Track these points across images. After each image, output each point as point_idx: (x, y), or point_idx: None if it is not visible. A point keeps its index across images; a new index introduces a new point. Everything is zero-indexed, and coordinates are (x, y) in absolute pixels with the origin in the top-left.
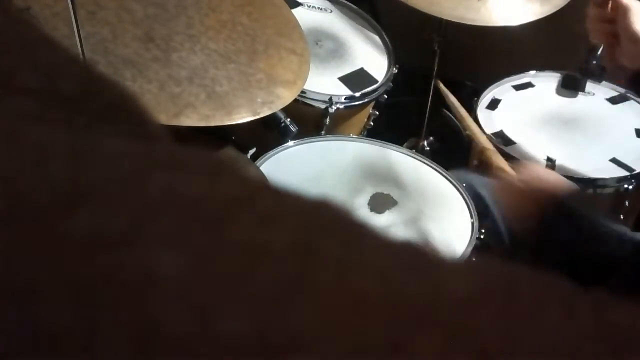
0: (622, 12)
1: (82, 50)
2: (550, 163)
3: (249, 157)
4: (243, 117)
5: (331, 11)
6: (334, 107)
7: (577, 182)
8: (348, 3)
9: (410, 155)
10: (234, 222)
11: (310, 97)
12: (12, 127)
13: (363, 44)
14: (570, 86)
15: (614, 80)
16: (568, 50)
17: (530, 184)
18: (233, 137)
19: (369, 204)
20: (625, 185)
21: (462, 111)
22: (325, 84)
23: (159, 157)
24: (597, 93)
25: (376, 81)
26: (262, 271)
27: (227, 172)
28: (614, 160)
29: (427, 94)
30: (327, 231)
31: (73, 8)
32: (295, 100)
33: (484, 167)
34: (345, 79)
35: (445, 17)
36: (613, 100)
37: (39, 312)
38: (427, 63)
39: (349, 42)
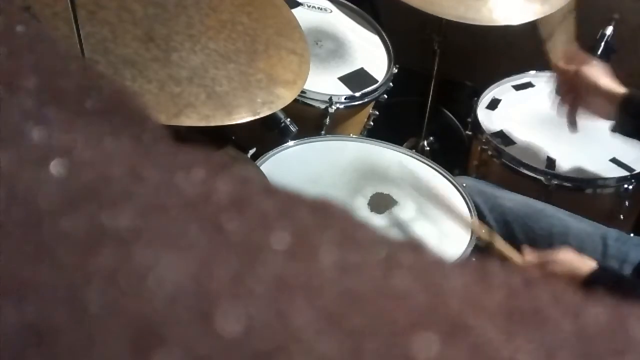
0: (582, 75)
1: (82, 50)
2: (550, 163)
3: (249, 157)
4: (243, 117)
5: (331, 11)
6: (334, 107)
7: (577, 182)
8: (348, 3)
9: (410, 155)
10: (233, 222)
11: (310, 97)
12: (13, 127)
13: (363, 44)
14: None
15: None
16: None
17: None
18: (233, 137)
19: (369, 204)
20: (625, 185)
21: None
22: (325, 84)
23: (159, 157)
24: None
25: (376, 81)
26: (262, 271)
27: (227, 172)
28: (614, 160)
29: (427, 94)
30: (327, 231)
31: (73, 8)
32: (295, 100)
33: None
34: (345, 79)
35: (445, 17)
36: None
37: (38, 311)
38: (427, 63)
39: (349, 42)
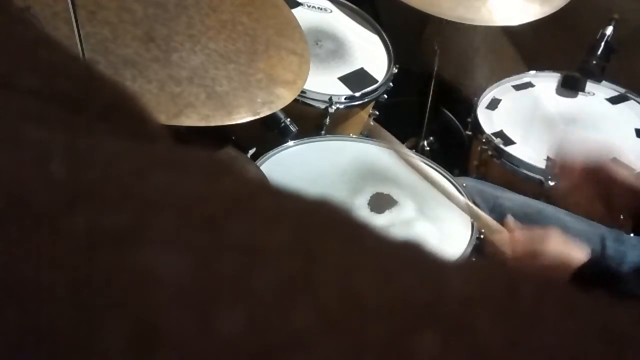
0: (605, 173)
1: (82, 50)
2: (551, 163)
3: (249, 157)
4: (243, 117)
5: (331, 11)
6: (334, 107)
7: None
8: (348, 3)
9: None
10: (234, 222)
11: (310, 97)
12: (13, 127)
13: (363, 44)
14: (570, 86)
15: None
16: (568, 50)
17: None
18: (233, 137)
19: (369, 204)
20: None
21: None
22: (325, 84)
23: (159, 157)
24: (597, 93)
25: (376, 81)
26: (262, 271)
27: (227, 172)
28: (613, 160)
29: (427, 94)
30: (327, 231)
31: (73, 8)
32: (295, 100)
33: (484, 167)
34: (345, 79)
35: (445, 17)
36: (613, 100)
37: (38, 311)
38: (427, 63)
39: (349, 42)
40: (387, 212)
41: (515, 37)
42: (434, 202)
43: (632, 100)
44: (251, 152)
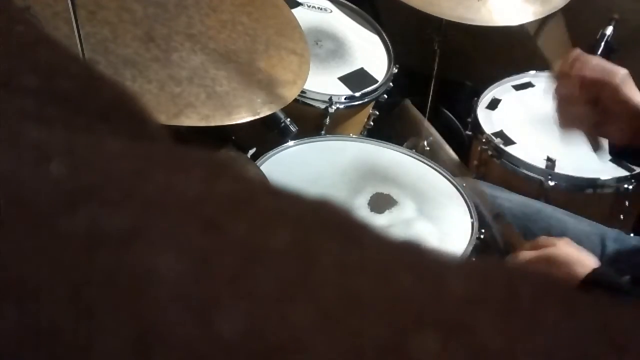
0: (605, 83)
1: (82, 50)
2: (550, 163)
3: (249, 157)
4: (243, 117)
5: (331, 11)
6: (334, 107)
7: (577, 182)
8: (348, 3)
9: (410, 155)
10: (233, 222)
11: (310, 97)
12: (13, 127)
13: (363, 44)
14: None
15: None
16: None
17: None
18: (233, 137)
19: (369, 204)
20: (625, 185)
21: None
22: (325, 84)
23: (159, 157)
24: None
25: (376, 81)
26: (262, 271)
27: (227, 172)
28: (613, 160)
29: (427, 94)
30: (327, 231)
31: (73, 8)
32: (295, 100)
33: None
34: (345, 79)
35: (445, 17)
36: None
37: (38, 311)
38: (427, 63)
39: (349, 42)
40: (387, 212)
41: (515, 37)
42: (434, 202)
43: None
44: (251, 152)
